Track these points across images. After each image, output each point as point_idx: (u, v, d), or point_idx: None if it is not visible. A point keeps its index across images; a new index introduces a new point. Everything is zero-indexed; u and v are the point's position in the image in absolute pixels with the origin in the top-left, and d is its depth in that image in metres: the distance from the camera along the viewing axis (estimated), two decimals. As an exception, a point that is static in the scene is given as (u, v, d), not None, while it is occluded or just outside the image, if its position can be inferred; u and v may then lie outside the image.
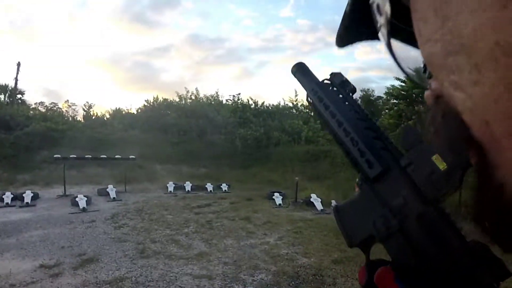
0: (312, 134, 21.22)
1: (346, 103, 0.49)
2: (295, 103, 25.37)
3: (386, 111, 16.48)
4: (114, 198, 10.21)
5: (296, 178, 11.17)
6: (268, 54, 57.99)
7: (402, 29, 0.20)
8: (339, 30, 0.31)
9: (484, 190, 0.19)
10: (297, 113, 24.66)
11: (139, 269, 4.95)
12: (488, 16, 0.12)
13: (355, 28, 0.28)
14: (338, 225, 0.46)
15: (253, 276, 4.84)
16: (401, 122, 13.50)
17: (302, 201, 10.43)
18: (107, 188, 10.83)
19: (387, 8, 0.21)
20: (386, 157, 0.43)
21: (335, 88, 0.51)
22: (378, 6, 0.22)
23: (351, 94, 0.51)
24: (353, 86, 0.51)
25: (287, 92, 55.76)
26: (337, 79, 0.52)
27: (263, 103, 25.07)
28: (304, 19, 65.94)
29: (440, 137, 0.22)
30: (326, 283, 4.68)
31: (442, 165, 0.35)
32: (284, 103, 25.47)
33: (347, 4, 0.27)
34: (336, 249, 6.13)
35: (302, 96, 43.01)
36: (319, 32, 57.63)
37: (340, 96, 0.51)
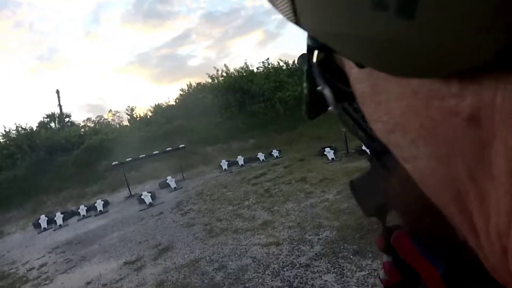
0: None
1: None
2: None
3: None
4: (175, 187, 10.74)
5: (343, 129, 10.96)
6: (287, 10, 55.72)
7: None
8: (304, 107, 0.34)
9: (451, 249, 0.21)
10: (331, 63, 23.82)
11: (211, 248, 5.26)
12: (408, 103, 0.14)
13: (316, 105, 0.31)
14: (355, 199, 0.49)
15: (318, 235, 4.95)
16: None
17: (353, 151, 10.28)
18: (167, 180, 11.40)
19: (328, 94, 0.24)
20: None
21: None
22: (324, 94, 0.25)
23: None
24: None
25: (317, 44, 53.82)
26: None
27: (294, 61, 24.46)
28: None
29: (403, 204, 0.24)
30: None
31: None
32: (317, 55, 24.65)
33: (304, 87, 0.30)
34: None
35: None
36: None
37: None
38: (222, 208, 7.37)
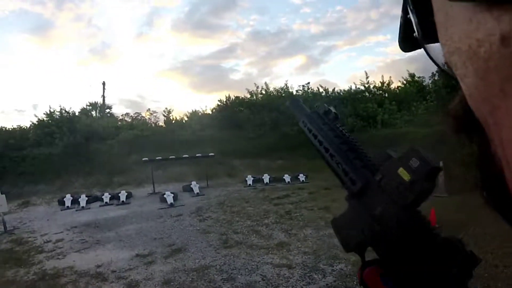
0: (388, 116, 20.08)
1: (330, 130, 0.60)
2: (366, 86, 24.11)
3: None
4: (197, 193, 10.84)
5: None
6: (332, 39, 55.93)
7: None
8: (398, 38, 0.35)
9: (481, 162, 0.23)
10: (370, 96, 23.40)
11: (223, 258, 5.22)
12: (463, 28, 0.18)
13: (408, 39, 0.32)
14: (336, 235, 0.53)
15: (332, 266, 4.81)
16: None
17: (382, 188, 10.03)
18: (191, 184, 11.53)
19: (415, 21, 0.26)
20: (365, 174, 0.51)
21: (323, 118, 0.63)
22: (412, 20, 0.27)
23: (334, 121, 0.62)
24: (334, 113, 0.61)
25: (357, 75, 53.31)
26: (321, 109, 0.63)
27: (333, 89, 24.37)
28: (364, -5, 62.31)
29: (451, 120, 0.27)
30: None
31: (406, 177, 0.44)
32: (356, 87, 24.40)
33: (400, 16, 0.33)
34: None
35: (373, 77, 40.67)
36: (382, 7, 53.81)
37: (325, 124, 0.61)
38: (241, 222, 7.34)
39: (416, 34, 0.26)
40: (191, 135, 20.11)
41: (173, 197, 9.65)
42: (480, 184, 0.24)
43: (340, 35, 55.37)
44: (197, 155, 14.33)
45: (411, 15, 0.27)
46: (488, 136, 0.20)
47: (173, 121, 24.98)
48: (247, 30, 56.48)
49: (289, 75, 52.76)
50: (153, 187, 11.75)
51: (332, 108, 0.63)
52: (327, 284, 4.24)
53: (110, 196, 10.55)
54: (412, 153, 0.46)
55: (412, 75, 25.75)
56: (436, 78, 23.08)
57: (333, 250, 5.43)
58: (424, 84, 25.25)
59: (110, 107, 29.44)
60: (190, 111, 26.14)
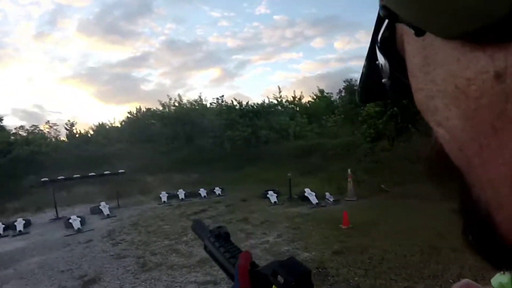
0: (300, 129, 21.28)
1: (221, 247, 0.74)
2: (279, 99, 25.36)
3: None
4: (108, 215, 10.09)
5: (289, 174, 11.21)
6: (248, 53, 57.73)
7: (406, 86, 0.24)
8: (358, 89, 0.35)
9: (464, 208, 0.23)
10: (282, 109, 24.64)
11: (143, 283, 4.93)
12: (449, 69, 0.18)
13: (371, 88, 0.33)
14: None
15: (258, 277, 4.86)
16: (387, 109, 13.63)
17: (296, 196, 10.49)
18: (100, 205, 10.70)
19: (386, 67, 0.26)
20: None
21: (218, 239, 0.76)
22: (382, 67, 0.27)
23: (227, 239, 0.76)
24: (225, 233, 0.77)
25: (271, 89, 55.82)
26: (215, 230, 0.78)
27: (247, 102, 24.99)
28: (281, 15, 65.67)
29: (427, 166, 0.27)
30: (329, 275, 4.76)
31: None
32: (269, 100, 25.49)
33: (363, 66, 0.32)
34: (335, 240, 6.22)
35: (286, 92, 42.96)
36: (297, 27, 57.45)
37: (217, 243, 0.76)
38: (158, 242, 7.03)
39: (385, 80, 0.27)
40: (98, 151, 18.83)
41: (80, 221, 8.82)
42: (463, 230, 0.23)
43: (255, 50, 57.34)
44: (105, 172, 13.37)
45: (381, 62, 0.27)
46: (469, 182, 0.20)
47: (77, 135, 23.15)
48: (161, 38, 55.08)
49: (204, 87, 52.86)
50: (56, 211, 10.60)
51: (223, 228, 0.77)
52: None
53: (4, 226, 9.19)
54: (278, 269, 0.57)
55: (321, 91, 28.08)
56: (342, 94, 25.40)
57: (256, 261, 5.45)
58: (332, 99, 27.76)
59: (1, 119, 25.84)
60: (97, 123, 24.55)
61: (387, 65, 0.26)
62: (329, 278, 4.66)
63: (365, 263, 5.11)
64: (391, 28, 0.25)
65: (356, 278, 4.60)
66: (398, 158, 12.32)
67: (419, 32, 0.19)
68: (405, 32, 0.23)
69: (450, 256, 5.05)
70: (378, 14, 0.24)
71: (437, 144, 0.22)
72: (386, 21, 0.25)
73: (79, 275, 5.45)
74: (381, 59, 0.27)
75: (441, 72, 0.19)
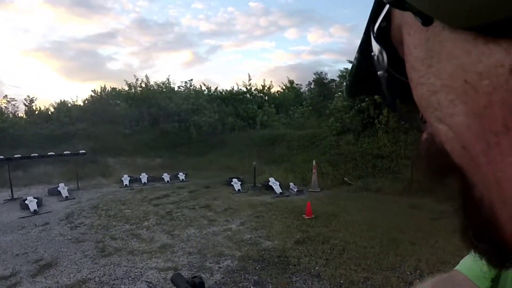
0: (267, 118, 21.38)
1: None
2: (248, 87, 25.30)
3: (340, 93, 16.83)
4: (66, 197, 9.79)
5: (254, 162, 11.32)
6: (220, 39, 57.11)
7: (402, 82, 0.24)
8: (347, 82, 0.34)
9: (465, 207, 0.23)
10: (251, 97, 24.61)
11: (102, 268, 4.85)
12: (458, 62, 0.17)
13: (361, 82, 0.32)
14: None
15: (219, 264, 4.93)
16: (354, 104, 13.93)
17: (260, 185, 10.62)
18: (58, 187, 10.35)
19: (383, 58, 0.25)
20: None
21: None
22: (377, 58, 0.26)
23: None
24: (200, 281, 0.93)
25: (240, 76, 55.41)
26: (191, 281, 0.94)
27: (216, 88, 24.83)
28: (257, 2, 65.16)
29: (424, 164, 0.25)
30: (291, 264, 4.86)
31: None
32: (238, 88, 25.37)
33: (354, 58, 0.31)
34: (297, 230, 6.36)
35: (255, 80, 42.76)
36: (272, 16, 57.43)
37: None
38: (118, 226, 6.92)
39: (381, 72, 0.26)
40: (58, 130, 18.05)
41: (37, 202, 8.49)
42: (462, 226, 0.24)
43: (228, 36, 56.68)
44: (65, 152, 12.91)
45: (377, 53, 0.26)
46: (471, 180, 0.20)
47: (37, 112, 22.04)
48: (132, 16, 53.11)
49: (172, 70, 51.67)
50: (11, 191, 10.13)
51: (198, 279, 0.90)
52: (215, 282, 4.32)
53: (-48, 205, 8.75)
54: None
55: (291, 82, 28.28)
56: (312, 86, 25.67)
57: (218, 247, 5.56)
58: (301, 91, 27.97)
59: (-48, 91, 24.17)
60: (58, 101, 23.42)
61: (384, 56, 0.25)
62: (291, 267, 4.76)
63: (326, 253, 5.24)
64: (387, 19, 0.25)
65: (317, 268, 4.71)
66: (362, 152, 12.69)
67: (427, 21, 0.18)
68: (405, 22, 0.22)
69: (408, 249, 5.28)
70: (377, 1, 0.24)
71: (435, 141, 0.22)
72: (385, 9, 0.24)
73: (35, 259, 5.28)
74: (377, 50, 0.26)
75: (448, 66, 0.18)
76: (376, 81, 0.26)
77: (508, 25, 0.14)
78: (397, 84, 0.25)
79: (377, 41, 0.26)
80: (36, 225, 7.14)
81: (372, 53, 0.26)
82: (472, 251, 0.24)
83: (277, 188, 9.96)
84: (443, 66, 0.18)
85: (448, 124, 0.19)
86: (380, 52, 0.25)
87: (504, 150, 0.16)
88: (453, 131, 0.19)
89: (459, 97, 0.18)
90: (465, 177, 0.20)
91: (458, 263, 0.82)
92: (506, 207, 0.17)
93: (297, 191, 10.06)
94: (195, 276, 0.86)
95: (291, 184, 10.55)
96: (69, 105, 22.71)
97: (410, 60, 0.21)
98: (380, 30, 0.25)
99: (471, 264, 0.92)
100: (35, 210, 8.13)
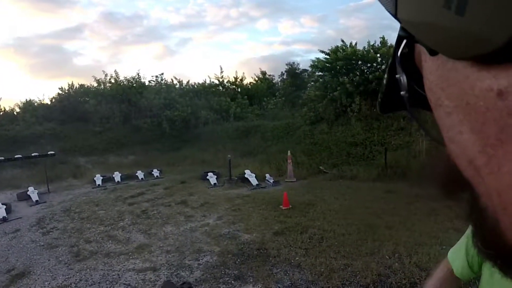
0: (241, 110, 21.33)
1: None
2: (221, 80, 25.11)
3: (312, 83, 16.96)
4: (37, 201, 9.47)
5: (229, 155, 11.30)
6: (190, 31, 56.11)
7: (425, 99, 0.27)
8: (379, 99, 0.37)
9: (473, 216, 0.25)
10: (223, 90, 24.46)
11: (78, 273, 4.74)
12: (461, 86, 0.20)
13: (390, 99, 0.35)
14: None
15: (198, 260, 4.91)
16: (327, 93, 14.10)
17: (236, 178, 10.63)
18: (28, 191, 10.00)
19: (404, 81, 0.29)
20: None
21: None
22: (400, 80, 0.29)
23: None
24: (189, 286, 1.01)
25: (212, 69, 54.77)
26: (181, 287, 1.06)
27: (188, 82, 24.50)
28: (227, -7, 64.41)
29: (440, 179, 0.30)
30: (271, 256, 4.89)
31: None
32: (210, 80, 25.14)
33: (384, 78, 0.35)
34: (275, 221, 6.43)
35: (228, 72, 42.39)
36: (242, 7, 56.75)
37: None
38: (93, 228, 6.77)
39: (403, 93, 0.29)
40: (25, 130, 17.37)
41: (5, 209, 8.17)
42: (473, 236, 0.26)
43: (198, 28, 55.75)
44: (33, 154, 12.44)
45: (400, 75, 0.29)
46: (477, 192, 0.22)
47: (1, 113, 21.09)
48: (99, 9, 51.05)
49: (143, 64, 50.44)
50: (-24, 198, 9.76)
51: (188, 284, 1.00)
52: (196, 279, 4.28)
53: None
54: None
55: (263, 73, 28.29)
56: (284, 77, 25.76)
57: (197, 244, 5.55)
58: (274, 81, 28.05)
59: None
60: (24, 100, 22.49)
61: (405, 79, 0.29)
62: (271, 258, 4.79)
63: (305, 242, 5.31)
64: (410, 45, 0.28)
65: (297, 258, 4.76)
66: (336, 140, 12.90)
67: (433, 52, 0.21)
68: (423, 51, 0.25)
69: (385, 233, 5.43)
70: (399, 32, 0.27)
71: (449, 160, 0.24)
72: (405, 40, 0.27)
73: (6, 269, 5.08)
74: (400, 73, 0.29)
75: (455, 90, 0.20)
76: (402, 99, 0.29)
77: (493, 55, 0.16)
78: (422, 100, 0.27)
79: (400, 65, 0.29)
80: (6, 232, 6.87)
81: (396, 76, 0.30)
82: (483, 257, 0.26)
83: (253, 180, 10.01)
84: (452, 90, 0.20)
85: (457, 142, 0.21)
86: (402, 75, 0.29)
87: (500, 161, 0.18)
88: (461, 148, 0.21)
89: (465, 116, 0.20)
90: (473, 189, 0.22)
91: (434, 244, 0.89)
92: (506, 214, 0.19)
93: (273, 182, 10.15)
94: (184, 283, 0.85)
95: (267, 175, 10.62)
96: (36, 104, 21.87)
97: (427, 83, 0.24)
98: (403, 55, 0.28)
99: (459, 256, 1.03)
100: (4, 217, 7.82)
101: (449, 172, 0.25)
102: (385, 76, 0.34)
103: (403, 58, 0.28)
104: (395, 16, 0.23)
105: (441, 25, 0.18)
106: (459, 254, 1.02)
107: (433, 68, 0.23)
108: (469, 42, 0.17)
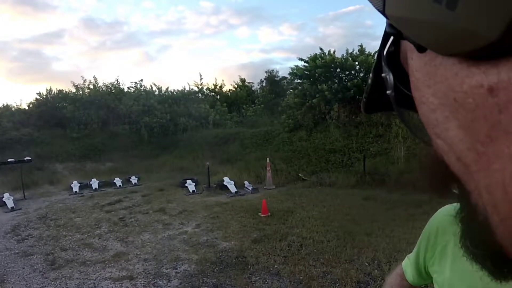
0: (220, 117, 21.40)
1: None
2: (200, 87, 25.19)
3: (291, 91, 17.16)
4: (12, 207, 9.28)
5: (207, 162, 11.35)
6: (170, 38, 55.58)
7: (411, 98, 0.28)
8: (363, 99, 0.38)
9: (463, 214, 0.25)
10: (203, 97, 24.55)
11: (53, 282, 4.72)
12: (448, 83, 0.20)
13: (375, 99, 0.36)
14: None
15: (176, 269, 4.94)
16: (306, 100, 14.30)
17: (215, 185, 10.67)
18: (3, 197, 9.77)
19: (390, 79, 0.28)
20: None
21: None
22: (386, 79, 0.29)
23: None
24: None
25: (191, 76, 54.55)
26: None
27: (167, 88, 24.41)
28: (207, 1, 64.37)
29: (430, 175, 0.31)
30: (249, 264, 4.91)
31: None
32: (189, 87, 25.19)
33: (369, 78, 0.35)
34: (254, 229, 6.49)
35: (207, 79, 42.41)
36: (222, 14, 56.87)
37: None
38: (69, 236, 6.71)
39: (389, 92, 0.29)
40: (1, 136, 16.89)
41: (-22, 216, 8.04)
42: (461, 234, 0.26)
43: (178, 35, 55.42)
44: (9, 160, 12.15)
45: (386, 74, 0.29)
46: (467, 189, 0.22)
47: (-23, 118, 20.46)
48: (79, 15, 49.96)
49: (122, 70, 49.78)
50: None
51: None
52: (173, 289, 4.35)
53: None
54: None
55: (243, 80, 28.47)
56: (263, 84, 25.98)
57: (174, 252, 5.58)
58: (253, 89, 28.26)
59: None
60: (0, 105, 21.91)
61: (391, 77, 0.28)
62: (249, 266, 4.81)
63: (284, 250, 5.34)
64: (396, 44, 0.27)
65: (276, 266, 4.79)
66: (315, 147, 13.07)
67: (421, 49, 0.21)
68: (409, 48, 0.25)
69: (364, 240, 5.52)
70: (385, 30, 0.27)
71: (437, 155, 0.24)
72: (392, 37, 0.27)
73: (-22, 277, 5.04)
74: (386, 72, 0.29)
75: (442, 86, 0.20)
76: (388, 99, 0.29)
77: (485, 51, 0.16)
78: (407, 100, 0.27)
79: (386, 64, 0.29)
80: (-22, 240, 6.76)
81: (382, 75, 0.30)
82: (472, 260, 0.26)
83: (232, 187, 10.08)
84: (439, 87, 0.20)
85: (444, 139, 0.21)
86: (388, 74, 0.29)
87: (490, 158, 0.18)
88: (448, 145, 0.21)
89: (452, 113, 0.20)
90: (462, 186, 0.22)
91: (412, 251, 0.98)
92: (496, 210, 0.19)
93: (252, 189, 10.22)
94: None
95: (246, 182, 10.71)
96: (13, 109, 21.35)
97: (413, 81, 0.24)
98: (389, 54, 0.28)
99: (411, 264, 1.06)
100: (-24, 225, 7.67)
101: (437, 167, 0.25)
102: (370, 75, 0.34)
103: (389, 56, 0.28)
104: (382, 12, 0.23)
105: (431, 21, 0.18)
106: (411, 261, 1.04)
107: (420, 66, 0.23)
108: (460, 37, 0.17)
